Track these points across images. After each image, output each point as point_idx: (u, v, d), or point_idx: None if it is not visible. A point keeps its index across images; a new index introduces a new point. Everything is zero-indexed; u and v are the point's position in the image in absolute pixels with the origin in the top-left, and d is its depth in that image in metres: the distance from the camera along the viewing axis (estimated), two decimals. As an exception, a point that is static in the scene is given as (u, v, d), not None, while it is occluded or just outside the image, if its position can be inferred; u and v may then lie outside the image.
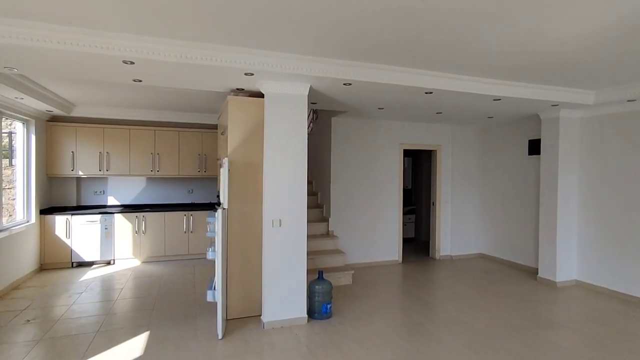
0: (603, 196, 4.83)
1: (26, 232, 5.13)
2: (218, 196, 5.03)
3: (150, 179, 6.69)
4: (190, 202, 6.94)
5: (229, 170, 3.58)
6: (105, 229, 5.89)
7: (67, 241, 5.70)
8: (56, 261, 5.66)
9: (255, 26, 2.56)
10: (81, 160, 6.00)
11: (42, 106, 5.01)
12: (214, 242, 3.64)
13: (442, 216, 6.54)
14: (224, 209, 3.36)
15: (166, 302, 4.29)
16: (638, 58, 3.16)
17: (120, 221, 5.96)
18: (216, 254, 3.36)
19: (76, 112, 5.95)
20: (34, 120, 5.38)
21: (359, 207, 6.00)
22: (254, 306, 3.85)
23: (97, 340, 3.30)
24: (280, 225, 3.62)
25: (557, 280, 5.03)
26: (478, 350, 3.20)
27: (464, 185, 6.68)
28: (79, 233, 5.75)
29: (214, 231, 3.45)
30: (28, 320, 3.72)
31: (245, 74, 3.27)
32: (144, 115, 6.29)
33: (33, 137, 5.39)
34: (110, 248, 5.92)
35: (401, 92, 3.92)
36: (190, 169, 6.61)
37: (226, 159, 3.29)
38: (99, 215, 5.86)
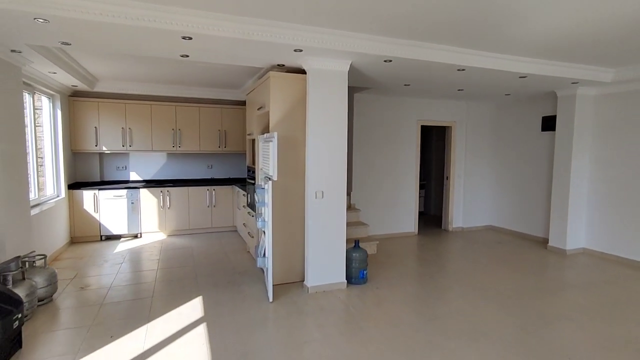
0: (613, 170, 5.13)
1: (57, 206, 5.23)
2: (249, 170, 5.19)
3: (171, 155, 6.78)
4: (210, 177, 7.07)
5: (267, 143, 3.72)
6: (132, 203, 6.02)
7: (96, 215, 5.83)
8: (86, 234, 5.80)
9: (316, 3, 2.66)
10: (104, 135, 6.05)
11: (70, 81, 5.01)
12: (261, 212, 3.85)
13: (455, 190, 6.82)
14: (273, 180, 3.53)
15: (205, 271, 4.51)
16: (666, 38, 3.35)
17: (146, 196, 6.09)
18: (266, 223, 3.56)
19: (98, 88, 5.95)
20: (59, 95, 5.38)
21: (378, 181, 6.22)
22: (295, 273, 4.10)
23: (155, 304, 3.52)
24: (322, 197, 3.83)
25: (567, 248, 5.39)
26: (511, 310, 3.51)
27: (477, 160, 6.94)
28: (106, 207, 5.87)
29: (263, 202, 3.63)
30: (82, 288, 3.92)
31: (295, 50, 3.37)
32: (164, 90, 6.31)
33: (59, 112, 5.41)
34: (137, 222, 6.07)
35: (435, 68, 4.06)
36: (210, 145, 6.70)
37: (275, 133, 3.43)
38: (125, 190, 5.98)
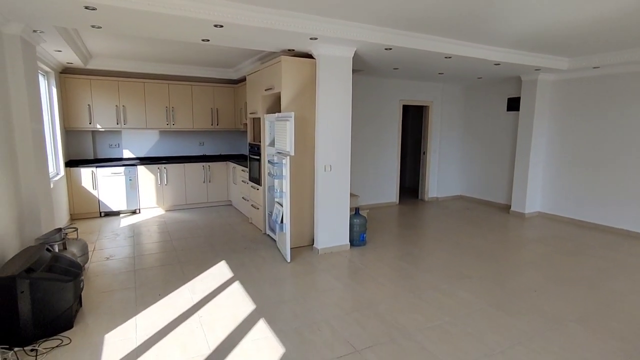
0: (565, 145, 6.05)
1: (57, 184, 5.31)
2: (252, 147, 5.53)
3: (163, 132, 6.91)
4: (202, 154, 7.30)
5: (281, 122, 4.12)
6: (130, 180, 6.17)
7: (94, 192, 5.95)
8: (85, 211, 5.92)
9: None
10: (98, 113, 6.08)
11: (70, 58, 5.02)
12: (273, 185, 4.29)
13: (430, 164, 7.57)
14: (291, 155, 3.96)
15: (218, 240, 4.91)
16: (607, 36, 4.09)
17: (143, 173, 6.26)
18: (284, 194, 4.02)
19: (90, 65, 5.91)
20: (53, 73, 5.35)
21: (364, 156, 6.80)
22: (305, 238, 4.62)
23: (185, 269, 3.91)
24: (330, 170, 4.33)
25: (526, 212, 6.34)
26: (486, 259, 4.29)
27: (449, 137, 7.70)
28: (104, 184, 5.99)
29: (280, 175, 4.07)
30: (107, 258, 4.20)
31: (310, 38, 3.75)
32: (156, 68, 6.37)
33: (54, 90, 5.39)
34: (135, 198, 6.25)
35: (426, 56, 4.60)
36: (203, 123, 6.90)
37: (292, 113, 3.83)
38: (123, 168, 6.11)
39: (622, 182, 5.37)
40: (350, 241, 4.64)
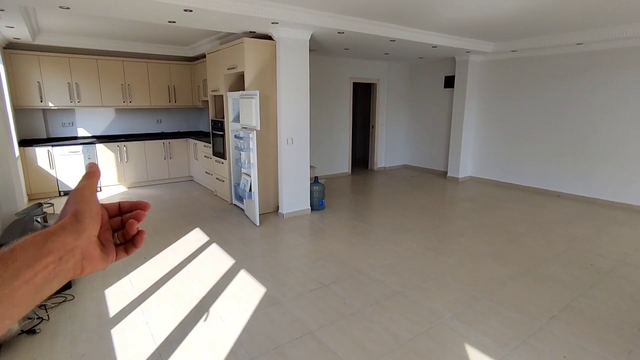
0: (491, 118, 7.05)
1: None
2: (215, 123, 5.81)
3: (119, 110, 6.88)
4: (159, 131, 7.38)
5: (246, 99, 4.50)
6: (89, 158, 6.18)
7: (52, 172, 5.91)
8: (43, 191, 5.89)
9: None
10: (49, 91, 5.94)
11: (18, 34, 4.89)
12: (240, 157, 4.70)
13: (378, 137, 8.32)
14: (257, 131, 4.38)
15: (188, 211, 5.25)
16: (523, 25, 4.92)
17: (103, 151, 6.29)
18: (252, 165, 4.46)
19: (38, 40, 5.71)
20: (0, 49, 5.16)
21: (319, 130, 7.34)
22: (270, 205, 5.12)
23: (163, 236, 4.26)
24: (292, 143, 4.82)
25: (459, 177, 7.34)
26: (425, 215, 5.11)
27: (395, 111, 8.47)
28: (62, 163, 5.96)
29: (247, 148, 4.49)
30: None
31: (272, 23, 4.12)
32: (110, 45, 6.28)
33: (1, 67, 5.21)
34: (95, 176, 6.27)
35: (373, 39, 5.16)
36: (160, 100, 6.97)
37: (257, 91, 4.22)
38: (81, 146, 6.09)
39: (531, 148, 6.47)
40: (311, 206, 5.22)
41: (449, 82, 7.53)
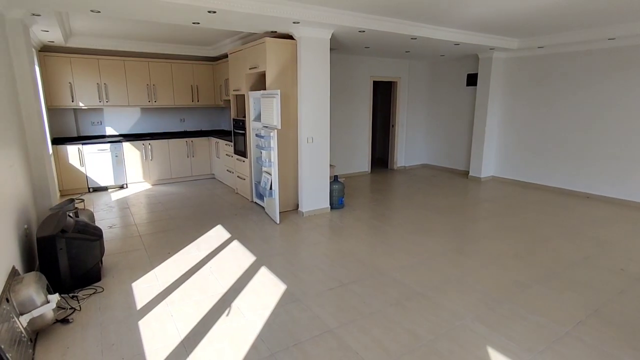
0: (516, 116, 6.87)
1: (46, 161, 5.50)
2: (236, 122, 5.91)
3: (144, 109, 7.09)
4: (182, 130, 7.56)
5: (267, 98, 4.55)
6: (116, 156, 6.41)
7: (82, 169, 6.16)
8: (74, 187, 6.14)
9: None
10: (80, 91, 6.18)
11: (53, 37, 5.11)
12: (261, 156, 4.77)
13: (398, 136, 8.24)
14: (277, 129, 4.43)
15: (210, 208, 5.37)
16: (548, 20, 4.77)
17: (129, 149, 6.50)
18: (272, 164, 4.51)
19: (70, 43, 5.96)
20: (34, 51, 5.40)
21: (339, 129, 7.34)
22: (289, 203, 5.17)
23: (186, 232, 4.38)
24: (312, 142, 4.85)
25: (482, 176, 7.19)
26: (446, 216, 5.04)
27: (415, 110, 8.37)
28: (91, 161, 6.20)
29: (268, 147, 4.55)
30: (110, 227, 4.57)
31: (294, 22, 4.16)
32: (136, 46, 6.48)
33: (37, 68, 5.46)
34: (122, 173, 6.51)
35: (394, 37, 5.12)
36: (184, 99, 7.14)
37: (278, 90, 4.27)
38: (109, 144, 6.32)
39: (559, 148, 6.27)
40: (330, 204, 5.24)
41: (472, 80, 7.38)
